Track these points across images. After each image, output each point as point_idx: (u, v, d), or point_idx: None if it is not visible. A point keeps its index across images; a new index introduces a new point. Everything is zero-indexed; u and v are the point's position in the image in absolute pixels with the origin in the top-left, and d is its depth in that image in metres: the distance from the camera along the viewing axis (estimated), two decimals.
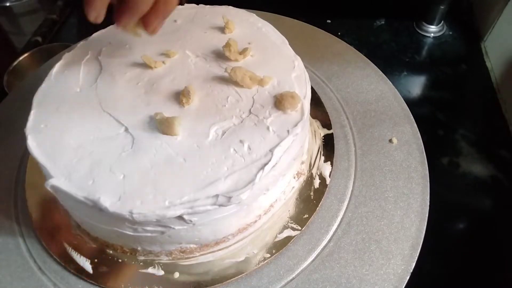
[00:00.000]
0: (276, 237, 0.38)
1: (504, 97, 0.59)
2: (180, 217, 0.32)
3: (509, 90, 0.59)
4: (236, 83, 0.38)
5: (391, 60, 0.65)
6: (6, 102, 0.51)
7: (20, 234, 0.40)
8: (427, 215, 0.39)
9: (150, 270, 0.37)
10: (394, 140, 0.45)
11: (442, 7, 0.65)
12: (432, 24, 0.68)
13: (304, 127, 0.37)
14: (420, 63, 0.65)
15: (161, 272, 0.37)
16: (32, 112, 0.38)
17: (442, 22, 0.69)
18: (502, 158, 0.53)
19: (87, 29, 0.44)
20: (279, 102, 0.37)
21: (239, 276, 0.36)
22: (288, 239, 0.38)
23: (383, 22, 0.70)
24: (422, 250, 0.37)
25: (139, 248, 0.37)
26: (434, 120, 0.57)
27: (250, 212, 0.37)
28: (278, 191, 0.39)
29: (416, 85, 0.62)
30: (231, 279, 0.36)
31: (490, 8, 0.64)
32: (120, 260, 0.38)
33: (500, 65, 0.62)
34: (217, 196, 0.32)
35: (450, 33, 0.68)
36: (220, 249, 0.38)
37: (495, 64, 0.63)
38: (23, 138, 0.35)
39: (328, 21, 0.70)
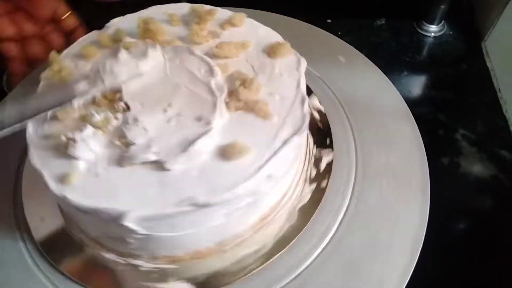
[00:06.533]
0: (276, 237, 0.38)
1: (505, 97, 0.59)
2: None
3: (509, 90, 0.59)
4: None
5: (392, 59, 0.65)
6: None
7: (26, 249, 0.40)
8: (427, 214, 0.39)
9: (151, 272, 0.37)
10: (394, 140, 0.45)
11: (442, 6, 0.65)
12: (432, 24, 0.68)
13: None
14: (420, 62, 0.65)
15: (160, 274, 0.36)
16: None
17: (443, 21, 0.68)
18: (503, 158, 0.53)
19: (88, 29, 0.44)
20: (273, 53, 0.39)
21: (241, 277, 0.36)
22: (288, 240, 0.38)
23: (383, 22, 0.70)
24: (422, 249, 0.37)
25: (139, 253, 0.37)
26: (434, 120, 0.57)
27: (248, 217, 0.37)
28: (279, 194, 0.39)
29: (417, 85, 0.62)
30: (234, 281, 0.36)
31: (490, 7, 0.64)
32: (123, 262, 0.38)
33: (500, 65, 0.62)
34: None
35: (451, 32, 0.68)
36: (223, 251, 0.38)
37: (496, 64, 0.63)
38: (23, 138, 0.35)
39: (328, 20, 0.70)
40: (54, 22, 0.53)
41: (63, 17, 0.53)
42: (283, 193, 0.39)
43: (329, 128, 0.46)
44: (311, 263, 0.37)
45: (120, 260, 0.38)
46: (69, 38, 0.54)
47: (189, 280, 0.36)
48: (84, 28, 0.54)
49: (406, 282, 0.35)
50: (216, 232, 0.36)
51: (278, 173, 0.34)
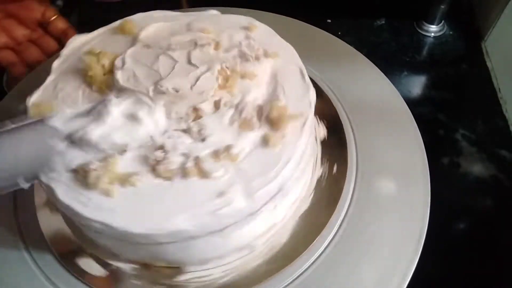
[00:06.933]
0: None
1: (505, 97, 0.59)
2: None
3: (509, 90, 0.59)
4: None
5: (392, 60, 0.65)
6: (5, 102, 0.51)
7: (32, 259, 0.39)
8: (428, 215, 0.39)
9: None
10: (394, 140, 0.45)
11: (442, 6, 0.65)
12: (432, 24, 0.68)
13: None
14: (420, 62, 0.65)
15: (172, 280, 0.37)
16: None
17: (443, 21, 0.68)
18: (503, 158, 0.53)
19: (88, 29, 0.44)
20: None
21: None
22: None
23: (383, 22, 0.70)
24: (423, 250, 0.37)
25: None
26: (434, 120, 0.57)
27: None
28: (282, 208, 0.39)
29: (417, 85, 0.62)
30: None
31: (490, 7, 0.64)
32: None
33: (500, 65, 0.62)
34: None
35: (451, 32, 0.68)
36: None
37: (496, 64, 0.63)
38: None
39: (328, 20, 0.70)
40: (43, 25, 0.55)
41: (51, 20, 0.55)
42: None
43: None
44: (311, 264, 0.37)
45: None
46: (61, 40, 0.56)
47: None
48: (74, 30, 0.56)
49: (407, 283, 0.35)
50: None
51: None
